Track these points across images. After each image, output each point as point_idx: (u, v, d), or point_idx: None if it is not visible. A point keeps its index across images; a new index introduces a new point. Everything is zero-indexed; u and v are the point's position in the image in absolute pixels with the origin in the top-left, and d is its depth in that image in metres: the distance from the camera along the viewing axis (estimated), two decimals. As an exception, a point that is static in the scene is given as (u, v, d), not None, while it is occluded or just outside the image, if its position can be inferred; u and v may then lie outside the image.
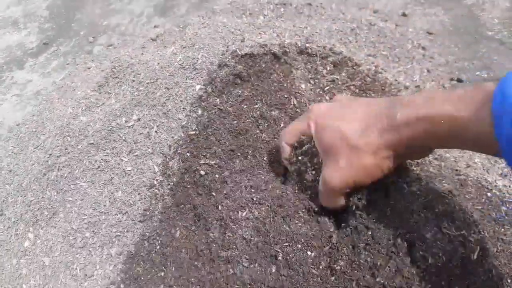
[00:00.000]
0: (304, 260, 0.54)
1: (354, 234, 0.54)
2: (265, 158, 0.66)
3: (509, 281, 0.49)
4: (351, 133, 0.50)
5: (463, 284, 0.49)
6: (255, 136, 0.68)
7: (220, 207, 0.61)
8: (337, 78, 0.75)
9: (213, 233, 0.60)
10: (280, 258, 0.54)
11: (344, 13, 0.98)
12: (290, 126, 0.60)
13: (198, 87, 0.77)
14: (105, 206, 0.70)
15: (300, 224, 0.57)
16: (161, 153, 0.73)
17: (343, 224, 0.57)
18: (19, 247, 0.72)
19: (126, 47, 1.06)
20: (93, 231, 0.69)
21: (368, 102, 0.53)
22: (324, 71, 0.76)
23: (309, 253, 0.54)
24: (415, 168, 0.61)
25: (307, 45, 0.80)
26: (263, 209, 0.59)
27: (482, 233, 0.53)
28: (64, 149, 0.80)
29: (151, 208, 0.68)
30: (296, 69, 0.78)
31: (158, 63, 0.86)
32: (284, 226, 0.57)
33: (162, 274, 0.60)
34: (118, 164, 0.74)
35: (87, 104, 0.87)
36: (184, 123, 0.74)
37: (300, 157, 0.60)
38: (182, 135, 0.73)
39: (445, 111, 0.41)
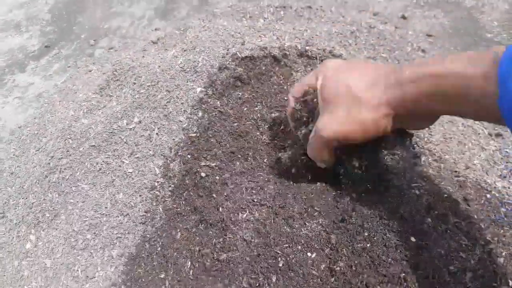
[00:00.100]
0: (304, 261, 0.54)
1: (352, 235, 0.55)
2: (265, 160, 0.66)
3: (509, 281, 0.50)
4: (356, 86, 0.50)
5: (463, 285, 0.49)
6: (256, 138, 0.68)
7: (220, 209, 0.62)
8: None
9: (213, 235, 0.61)
10: (280, 259, 0.55)
11: (343, 16, 0.99)
12: (300, 80, 0.60)
13: (198, 89, 0.78)
14: (106, 208, 0.71)
15: (300, 226, 0.57)
16: (162, 155, 0.73)
17: (340, 218, 0.57)
18: (20, 249, 0.72)
19: (127, 50, 1.07)
20: (94, 233, 0.69)
21: (380, 64, 0.53)
22: (324, 74, 0.76)
23: (309, 254, 0.54)
24: (413, 169, 0.61)
25: (307, 47, 0.80)
26: (263, 210, 0.60)
27: (482, 234, 0.54)
28: (65, 152, 0.80)
29: (152, 210, 0.68)
30: (296, 71, 0.78)
31: (159, 66, 0.86)
32: (285, 227, 0.57)
33: (163, 275, 0.60)
34: (119, 166, 0.74)
35: (88, 106, 0.87)
36: (185, 125, 0.74)
37: (298, 106, 0.60)
38: (183, 137, 0.73)
39: (453, 68, 0.41)
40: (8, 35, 1.34)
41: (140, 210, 0.69)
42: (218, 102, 0.74)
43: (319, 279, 0.53)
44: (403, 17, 1.00)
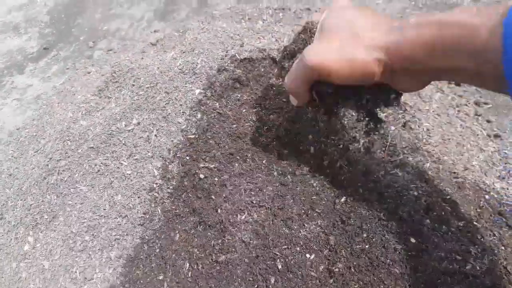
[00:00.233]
0: (303, 263, 0.54)
1: (351, 236, 0.55)
2: (264, 162, 0.66)
3: (508, 283, 0.50)
4: (359, 24, 0.47)
5: (463, 286, 0.49)
6: (254, 139, 0.68)
7: (219, 211, 0.62)
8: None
9: (212, 237, 0.60)
10: (279, 261, 0.55)
11: (342, 17, 0.99)
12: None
13: (197, 91, 0.77)
14: (104, 209, 0.71)
15: (299, 227, 0.57)
16: (160, 156, 0.73)
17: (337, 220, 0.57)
18: (19, 250, 0.72)
19: (126, 52, 1.07)
20: (92, 235, 0.69)
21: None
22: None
23: (308, 255, 0.54)
24: (412, 171, 0.61)
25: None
26: (262, 212, 0.60)
27: (481, 236, 0.54)
28: (64, 153, 0.80)
29: (150, 212, 0.68)
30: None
31: (158, 68, 0.86)
32: (283, 229, 0.57)
33: (161, 277, 0.60)
34: (118, 167, 0.74)
35: (87, 108, 0.87)
36: (183, 127, 0.74)
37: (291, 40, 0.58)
38: (182, 139, 0.73)
39: (459, 18, 0.38)
40: (6, 37, 1.34)
41: (139, 211, 0.69)
42: (217, 104, 0.74)
43: (317, 281, 0.53)
44: (402, 19, 1.00)
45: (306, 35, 0.57)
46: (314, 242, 0.55)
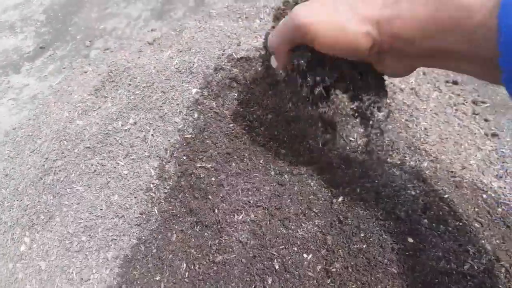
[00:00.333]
0: (300, 263, 0.54)
1: (349, 236, 0.55)
2: (261, 161, 0.66)
3: (506, 282, 0.49)
4: None
5: (460, 286, 0.49)
6: (251, 139, 0.68)
7: (216, 211, 0.61)
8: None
9: (209, 237, 0.60)
10: (276, 261, 0.54)
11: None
12: None
13: (194, 90, 0.77)
14: (101, 209, 0.70)
15: (296, 227, 0.57)
16: (157, 156, 0.73)
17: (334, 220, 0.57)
18: (15, 251, 0.71)
19: (123, 51, 1.07)
20: (89, 235, 0.69)
21: None
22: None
23: (305, 255, 0.54)
24: (410, 170, 0.61)
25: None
26: (259, 212, 0.59)
27: (479, 235, 0.54)
28: (60, 153, 0.80)
29: (147, 212, 0.68)
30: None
31: (155, 67, 0.86)
32: (281, 228, 0.57)
33: (158, 277, 0.60)
34: (115, 167, 0.74)
35: (83, 108, 0.87)
36: (180, 126, 0.74)
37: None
38: (179, 139, 0.73)
39: None
40: (2, 36, 1.33)
41: (135, 212, 0.68)
42: (214, 103, 0.73)
43: (315, 281, 0.52)
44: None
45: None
46: (311, 242, 0.55)
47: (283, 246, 0.55)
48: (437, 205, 0.56)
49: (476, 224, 0.55)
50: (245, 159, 0.66)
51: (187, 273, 0.59)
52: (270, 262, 0.55)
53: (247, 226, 0.58)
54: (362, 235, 0.54)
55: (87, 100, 0.89)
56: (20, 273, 0.69)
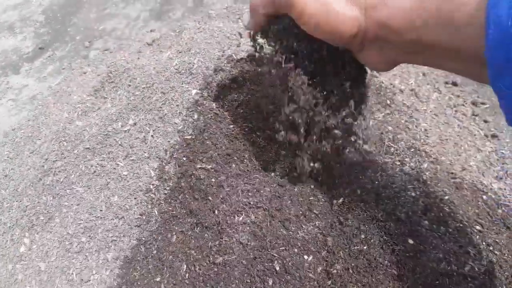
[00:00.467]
0: (300, 264, 0.54)
1: (349, 237, 0.55)
2: (261, 162, 0.66)
3: (507, 283, 0.50)
4: None
5: (462, 287, 0.49)
6: (251, 140, 0.68)
7: (216, 212, 0.61)
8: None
9: (209, 238, 0.60)
10: (276, 262, 0.54)
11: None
12: None
13: (194, 91, 0.77)
14: (101, 210, 0.70)
15: (297, 228, 0.57)
16: (157, 157, 0.73)
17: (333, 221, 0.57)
18: (14, 252, 0.71)
19: (122, 52, 1.07)
20: (89, 236, 0.69)
21: None
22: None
23: (305, 257, 0.54)
24: (410, 172, 0.61)
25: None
26: (259, 213, 0.59)
27: (479, 236, 0.54)
28: (60, 154, 0.79)
29: (147, 213, 0.68)
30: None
31: (154, 68, 0.86)
32: (281, 230, 0.57)
33: (159, 279, 0.60)
34: (114, 168, 0.74)
35: (83, 108, 0.87)
36: (180, 127, 0.74)
37: None
38: (178, 140, 0.73)
39: None
40: (1, 37, 1.33)
41: (135, 213, 0.68)
42: (214, 104, 0.73)
43: (315, 282, 0.52)
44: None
45: None
46: (312, 243, 0.55)
47: (283, 248, 0.55)
48: (437, 207, 0.56)
49: (476, 226, 0.55)
50: (245, 160, 0.66)
51: (187, 274, 0.59)
52: (270, 264, 0.55)
53: (248, 228, 0.58)
54: (362, 236, 0.54)
55: (87, 101, 0.89)
56: (19, 274, 0.69)
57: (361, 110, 0.54)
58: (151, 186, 0.70)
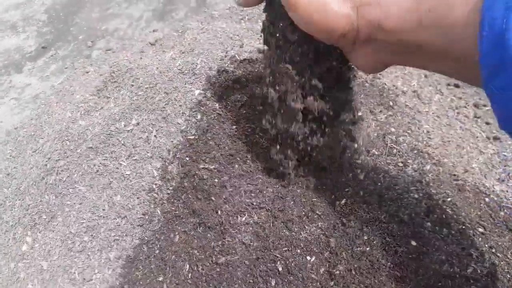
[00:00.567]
0: (303, 265, 0.54)
1: (352, 238, 0.55)
2: (264, 163, 0.66)
3: (509, 286, 0.50)
4: None
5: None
6: (254, 140, 0.68)
7: (219, 212, 0.61)
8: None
9: (212, 238, 0.60)
10: (279, 263, 0.54)
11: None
12: None
13: (197, 92, 0.77)
14: (103, 210, 0.70)
15: (299, 229, 0.57)
16: (160, 157, 0.73)
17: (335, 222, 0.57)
18: (17, 251, 0.71)
19: (125, 52, 1.07)
20: (91, 235, 0.69)
21: None
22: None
23: (308, 258, 0.54)
24: (413, 173, 0.61)
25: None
26: (262, 213, 0.59)
27: (482, 239, 0.54)
28: (63, 153, 0.80)
29: (150, 213, 0.68)
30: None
31: (157, 68, 0.86)
32: (284, 231, 0.57)
33: (161, 278, 0.60)
34: (117, 168, 0.74)
35: (86, 108, 0.87)
36: (183, 127, 0.74)
37: None
38: (181, 140, 0.73)
39: None
40: (4, 36, 1.33)
41: (138, 212, 0.68)
42: (217, 105, 0.74)
43: (318, 283, 0.52)
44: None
45: None
46: (314, 244, 0.55)
47: (286, 248, 0.55)
48: (440, 208, 0.56)
49: (479, 228, 0.55)
50: (248, 161, 0.67)
51: (190, 274, 0.59)
52: (273, 264, 0.55)
53: (250, 228, 0.58)
54: (365, 237, 0.54)
55: (90, 100, 0.89)
56: (22, 272, 0.69)
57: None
58: (154, 186, 0.70)
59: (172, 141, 0.73)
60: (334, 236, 0.56)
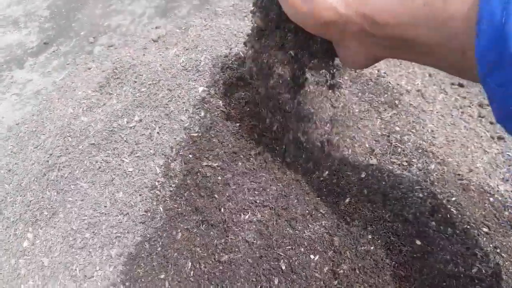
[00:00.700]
0: (307, 264, 0.53)
1: (356, 237, 0.54)
2: (268, 161, 0.66)
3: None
4: None
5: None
6: (258, 138, 0.68)
7: (222, 210, 0.61)
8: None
9: (215, 236, 0.60)
10: (282, 261, 0.54)
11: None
12: None
13: (201, 89, 0.77)
14: (105, 207, 0.70)
15: (303, 227, 0.56)
16: (163, 154, 0.72)
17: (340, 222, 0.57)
18: (18, 247, 0.71)
19: (127, 48, 1.06)
20: (93, 232, 0.68)
21: None
22: (327, 74, 0.76)
23: (312, 256, 0.54)
24: (417, 173, 0.61)
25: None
26: (266, 212, 0.59)
27: (486, 238, 0.53)
28: (64, 149, 0.79)
29: (152, 210, 0.67)
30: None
31: (160, 65, 0.85)
32: (288, 229, 0.57)
33: (163, 276, 0.60)
34: (119, 165, 0.74)
35: (88, 104, 0.87)
36: (186, 124, 0.74)
37: None
38: (185, 137, 0.72)
39: None
40: (6, 31, 1.33)
41: (140, 209, 0.68)
42: (221, 102, 0.73)
43: (322, 282, 0.52)
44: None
45: None
46: (318, 243, 0.55)
47: (289, 247, 0.55)
48: (444, 208, 0.56)
49: (483, 228, 0.55)
50: (251, 159, 0.66)
51: (192, 272, 0.58)
52: (276, 263, 0.54)
53: (254, 226, 0.58)
54: (369, 236, 0.54)
55: (92, 96, 0.88)
56: (22, 269, 0.68)
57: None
58: (157, 183, 0.70)
59: (175, 138, 0.73)
60: (338, 235, 0.55)
